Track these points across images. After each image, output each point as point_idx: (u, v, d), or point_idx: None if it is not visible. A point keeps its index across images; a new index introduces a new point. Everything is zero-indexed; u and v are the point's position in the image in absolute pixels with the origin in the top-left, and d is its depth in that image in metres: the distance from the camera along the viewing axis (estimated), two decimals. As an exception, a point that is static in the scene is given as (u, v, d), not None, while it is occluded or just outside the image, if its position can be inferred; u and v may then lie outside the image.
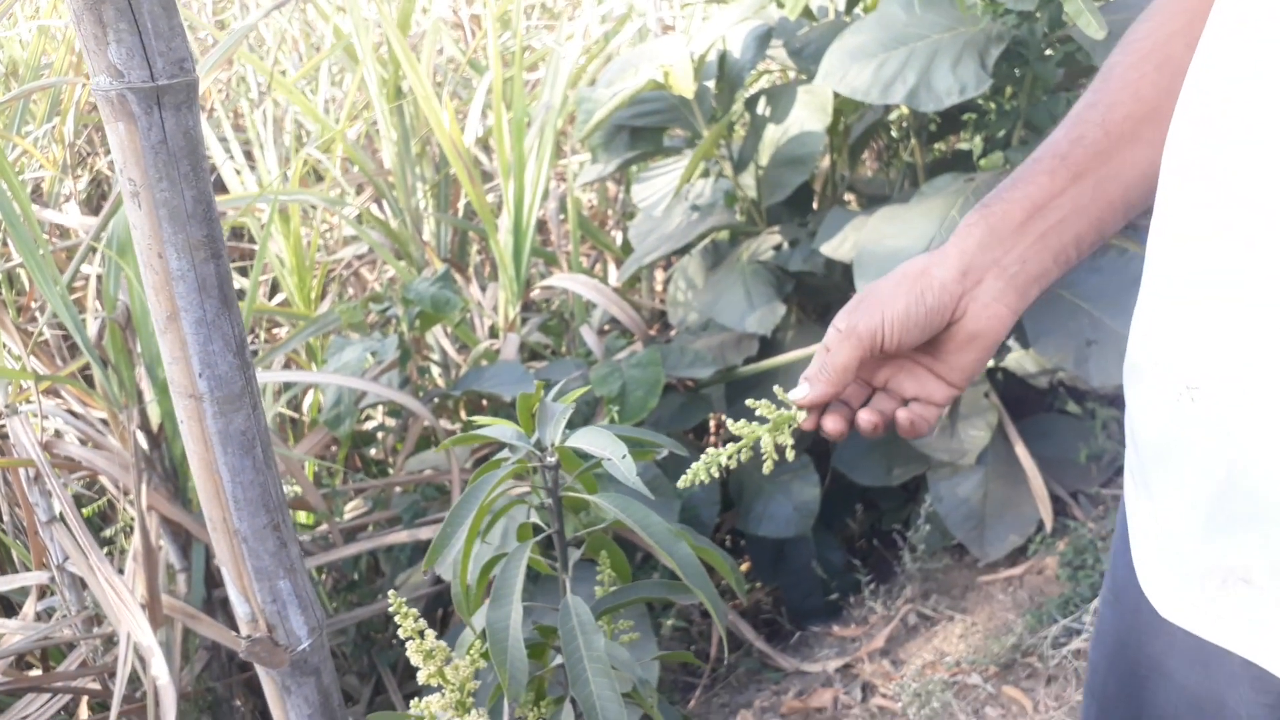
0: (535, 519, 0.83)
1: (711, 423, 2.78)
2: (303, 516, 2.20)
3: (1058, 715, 1.67)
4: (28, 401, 1.66)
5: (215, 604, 1.87)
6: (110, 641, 1.84)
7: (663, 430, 2.21)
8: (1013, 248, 0.72)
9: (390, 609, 0.70)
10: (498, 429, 0.75)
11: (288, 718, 0.57)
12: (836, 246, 2.00)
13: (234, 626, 1.84)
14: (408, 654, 0.70)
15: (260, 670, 0.56)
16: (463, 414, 2.33)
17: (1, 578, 1.86)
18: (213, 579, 1.89)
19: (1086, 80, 2.15)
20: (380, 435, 2.43)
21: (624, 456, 0.67)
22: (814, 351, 2.13)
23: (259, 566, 0.52)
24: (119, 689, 1.59)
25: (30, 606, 1.98)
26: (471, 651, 0.74)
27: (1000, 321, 0.72)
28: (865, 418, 0.75)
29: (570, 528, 0.80)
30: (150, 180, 0.45)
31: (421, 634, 0.71)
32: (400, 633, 0.70)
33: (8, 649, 1.72)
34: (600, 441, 0.69)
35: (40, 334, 1.78)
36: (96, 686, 1.85)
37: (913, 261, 0.75)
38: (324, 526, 2.08)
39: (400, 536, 1.88)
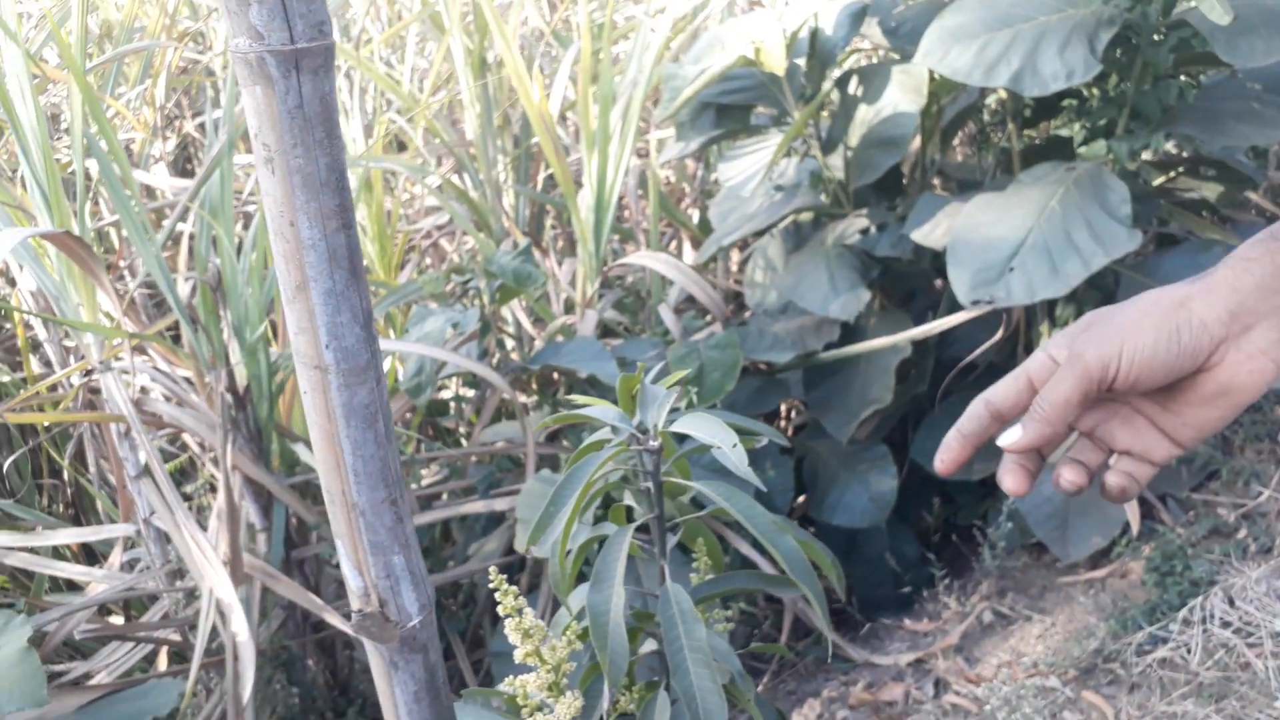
0: (630, 502, 0.82)
1: (783, 407, 2.75)
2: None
3: (1140, 725, 1.62)
4: (118, 359, 1.70)
5: (293, 564, 1.91)
6: (192, 595, 1.88)
7: (737, 414, 2.18)
8: None
9: (491, 585, 0.69)
10: (600, 410, 0.74)
11: (394, 694, 0.57)
12: (928, 233, 1.94)
13: (311, 587, 1.87)
14: (506, 631, 0.70)
15: (368, 646, 0.55)
16: (535, 388, 2.33)
17: (90, 528, 1.92)
18: (291, 540, 1.92)
19: (1198, 68, 2.06)
20: (455, 406, 2.44)
21: (734, 445, 0.65)
22: (897, 341, 2.08)
23: (375, 541, 0.52)
24: (200, 643, 1.63)
25: (116, 557, 2.03)
26: (568, 632, 0.73)
27: (1262, 377, 0.62)
28: (1068, 477, 0.66)
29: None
30: (285, 146, 0.44)
31: (520, 611, 0.70)
32: (500, 609, 0.69)
33: (94, 597, 1.77)
34: (709, 428, 0.67)
35: (129, 294, 1.82)
36: (177, 638, 1.90)
37: (1169, 290, 0.64)
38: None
39: (476, 506, 1.89)
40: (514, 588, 0.70)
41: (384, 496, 0.51)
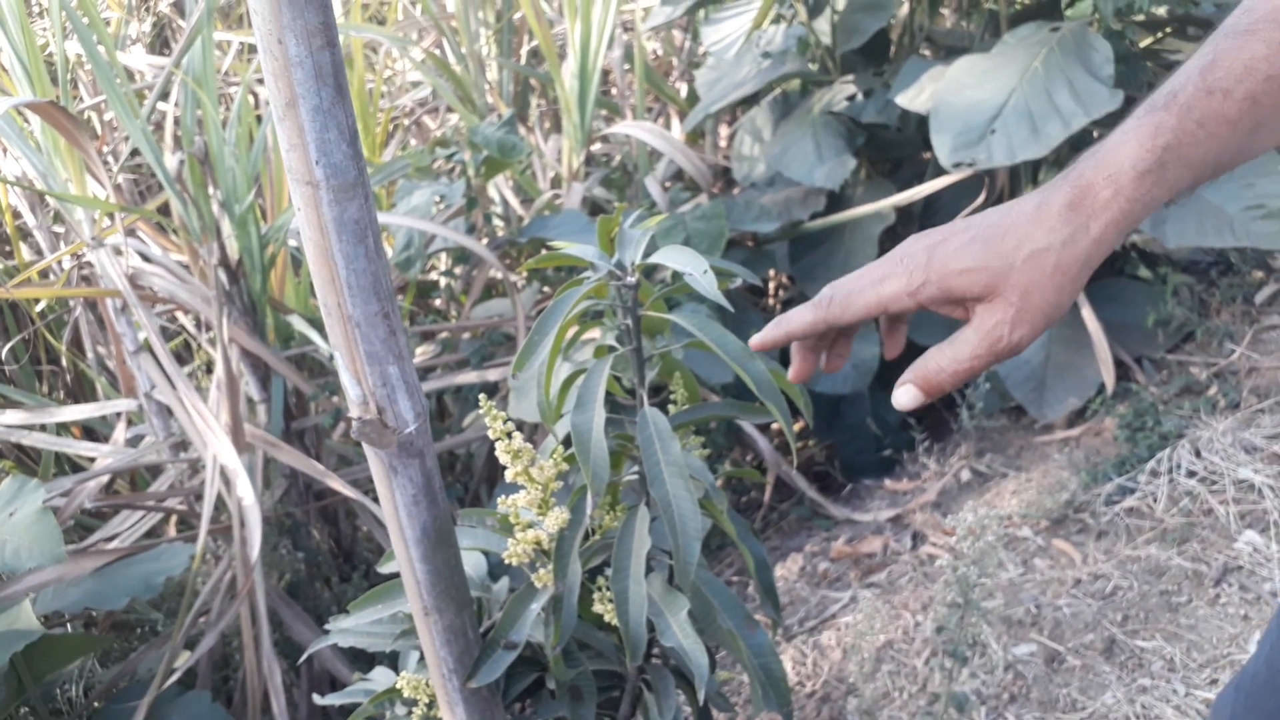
0: (610, 342, 0.86)
1: (770, 284, 2.78)
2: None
3: (1106, 568, 1.71)
4: (109, 236, 1.72)
5: (293, 435, 1.96)
6: (195, 467, 1.94)
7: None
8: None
9: (480, 412, 0.74)
10: (580, 249, 0.77)
11: (394, 497, 0.61)
12: (913, 97, 1.94)
13: (312, 456, 1.93)
14: (496, 453, 0.74)
15: (369, 452, 0.60)
16: (523, 266, 2.36)
17: (93, 404, 1.96)
18: (290, 411, 1.97)
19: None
20: (444, 283, 2.47)
21: (705, 271, 0.69)
22: (882, 208, 2.09)
23: (370, 351, 0.55)
24: (207, 508, 1.70)
25: (120, 433, 2.09)
26: (555, 455, 0.78)
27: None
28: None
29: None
30: (267, -35, 0.46)
31: (510, 434, 0.75)
32: (490, 434, 0.73)
33: (103, 468, 1.83)
34: (682, 258, 0.70)
35: (116, 176, 1.82)
36: (183, 507, 1.97)
37: (1040, 217, 0.60)
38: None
39: (469, 377, 1.93)
40: (503, 413, 0.75)
41: (377, 309, 0.55)
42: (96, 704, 1.75)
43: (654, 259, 0.72)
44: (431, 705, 0.81)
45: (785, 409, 0.74)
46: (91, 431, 2.45)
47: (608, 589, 0.79)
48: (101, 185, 1.66)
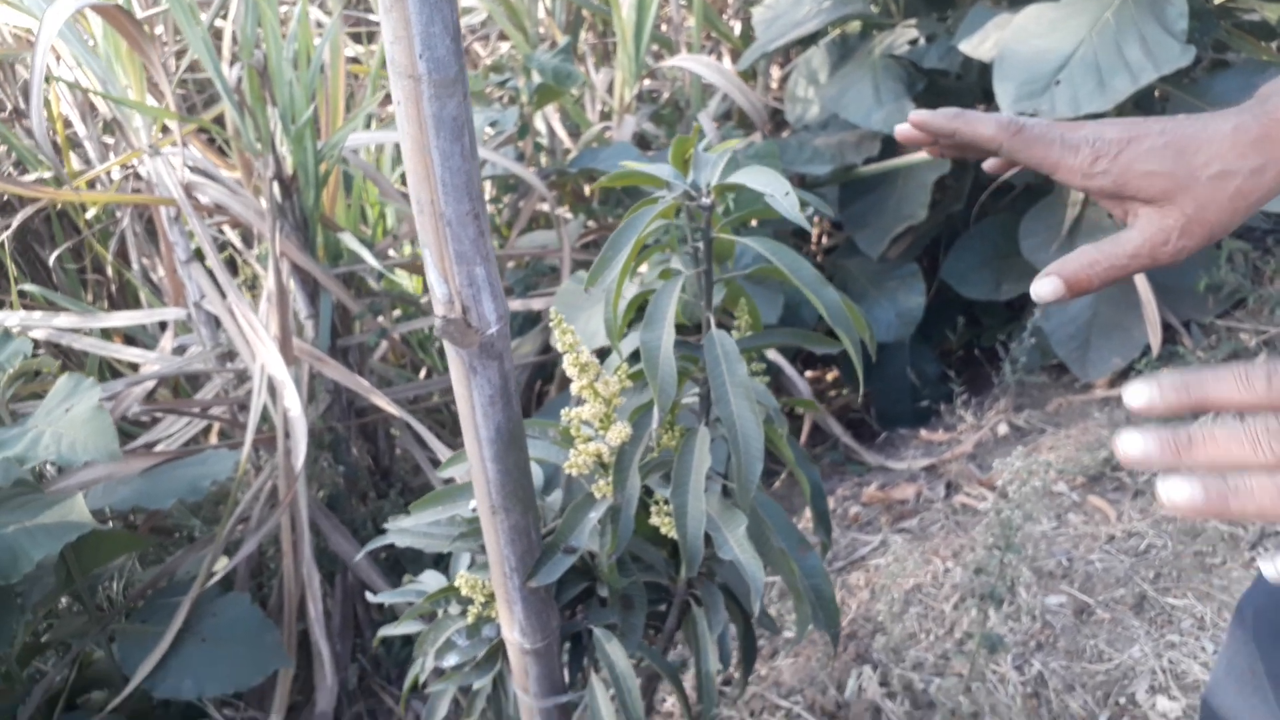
0: (675, 266, 0.86)
1: (814, 232, 2.76)
2: (419, 284, 2.28)
3: (1141, 526, 1.71)
4: (170, 145, 1.73)
5: (338, 351, 1.99)
6: (241, 378, 1.98)
7: (771, 228, 2.21)
8: None
9: (550, 324, 0.74)
10: (655, 167, 0.77)
11: (472, 397, 0.63)
12: (977, 45, 1.91)
13: (356, 373, 1.95)
14: (564, 366, 0.76)
15: (450, 351, 0.61)
16: (569, 198, 2.35)
17: (142, 311, 1.99)
18: (335, 329, 1.99)
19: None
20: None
21: (787, 193, 0.69)
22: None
23: (459, 251, 0.56)
24: (253, 417, 1.73)
25: (167, 341, 2.12)
26: (619, 372, 0.79)
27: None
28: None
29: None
30: None
31: (575, 348, 0.76)
32: (559, 346, 0.75)
33: (152, 373, 1.87)
34: (764, 179, 0.70)
35: (174, 87, 1.83)
36: (226, 417, 2.01)
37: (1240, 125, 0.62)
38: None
39: (513, 305, 1.94)
40: (571, 327, 0.76)
41: (468, 209, 0.55)
42: (138, 603, 1.80)
43: (734, 179, 0.72)
44: (487, 605, 0.83)
45: (856, 337, 0.74)
46: (132, 340, 2.49)
47: (665, 503, 0.80)
48: (162, 94, 1.67)
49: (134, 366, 2.34)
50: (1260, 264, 2.24)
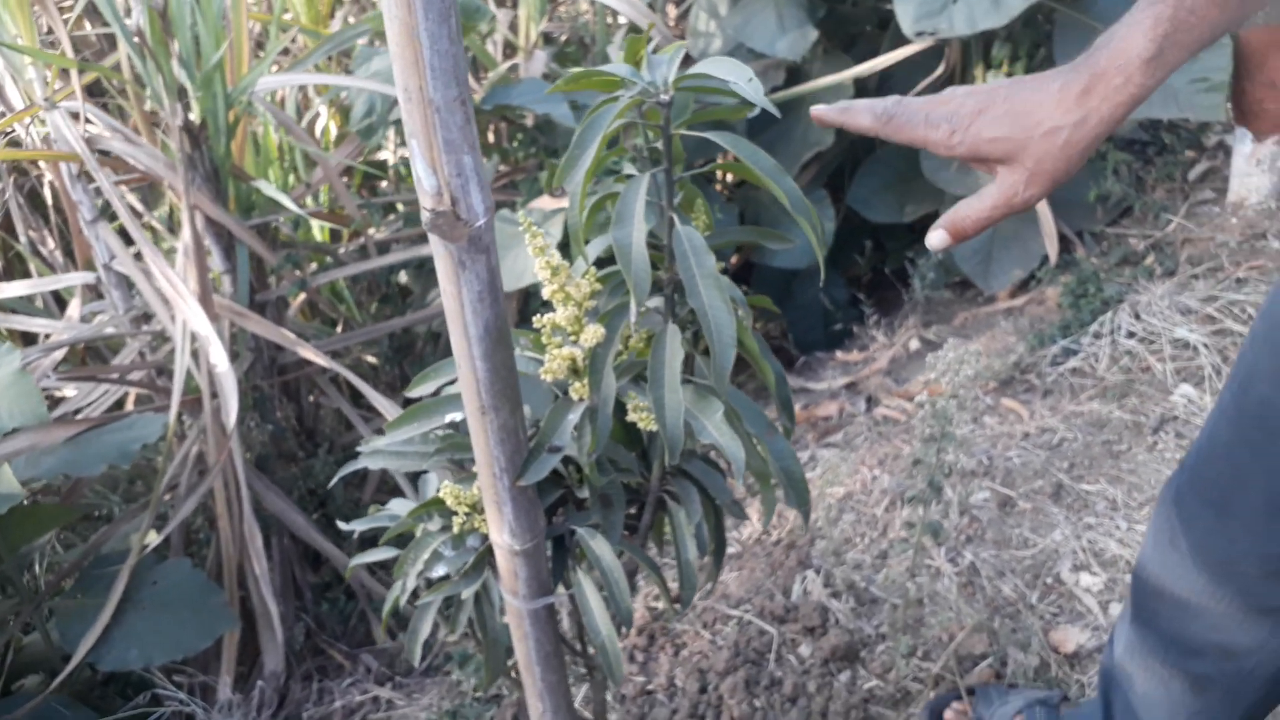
0: (630, 170, 0.88)
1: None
2: (327, 234, 2.24)
3: (1052, 422, 1.81)
4: (68, 97, 1.66)
5: (257, 306, 1.94)
6: (160, 339, 1.92)
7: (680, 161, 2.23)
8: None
9: (520, 229, 0.76)
10: (616, 66, 0.78)
11: (460, 293, 0.64)
12: (874, -33, 1.95)
13: (278, 323, 1.91)
14: (535, 271, 0.77)
15: (437, 246, 0.62)
16: (490, 137, 2.33)
17: (48, 278, 1.91)
18: (252, 286, 1.95)
19: None
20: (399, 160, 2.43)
21: (750, 80, 0.71)
22: (841, 80, 2.11)
23: (448, 139, 0.57)
24: (178, 376, 1.68)
25: (75, 309, 2.04)
26: (588, 275, 0.81)
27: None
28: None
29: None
30: None
31: (545, 250, 0.77)
32: (530, 251, 0.76)
33: (66, 339, 1.80)
34: (725, 68, 0.73)
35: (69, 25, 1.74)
36: (147, 381, 1.94)
37: (1067, 83, 0.71)
38: (359, 239, 2.12)
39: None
40: (541, 230, 0.77)
41: (456, 94, 0.56)
42: (65, 582, 1.75)
43: (697, 69, 0.74)
44: (470, 514, 0.85)
45: (816, 224, 0.77)
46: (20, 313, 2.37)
47: (641, 399, 0.83)
48: (57, 40, 1.59)
49: (30, 340, 2.24)
50: (1143, 174, 2.37)
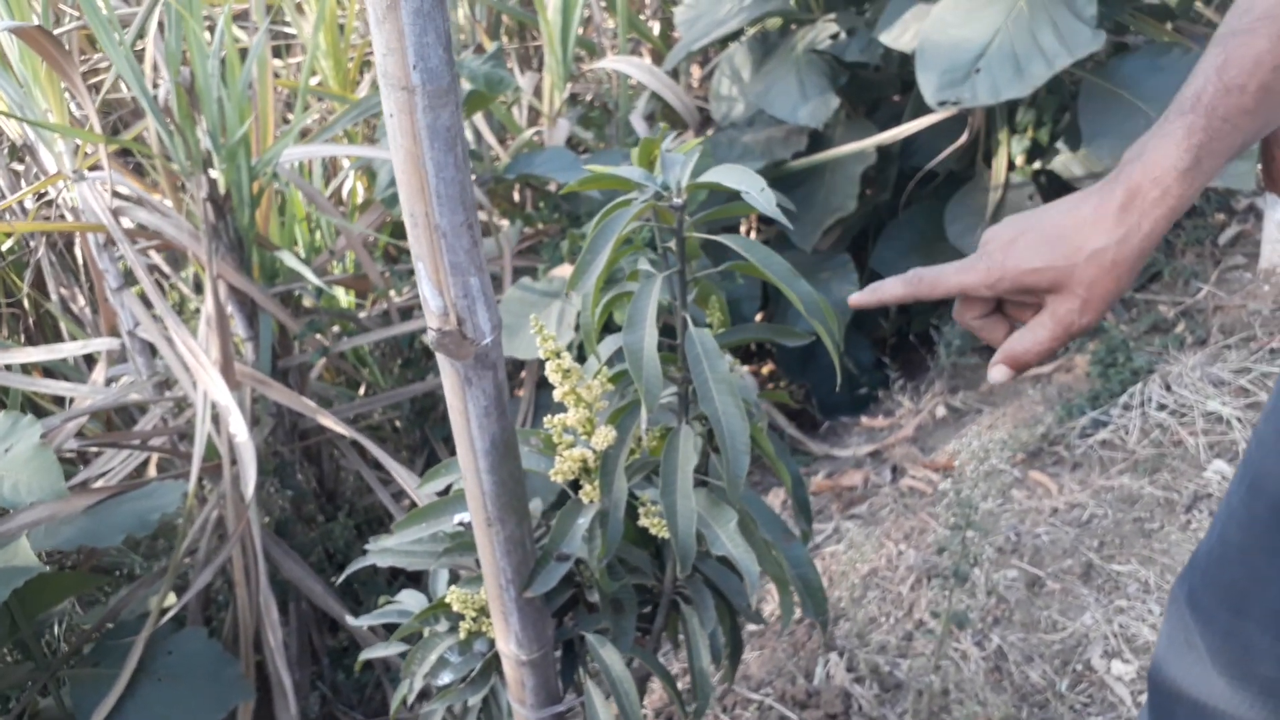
0: (646, 268, 0.87)
1: (743, 227, 2.79)
2: (353, 300, 2.25)
3: (1081, 497, 1.77)
4: (94, 169, 1.68)
5: (279, 373, 1.95)
6: (182, 405, 1.93)
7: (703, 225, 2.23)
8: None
9: (532, 331, 0.74)
10: (627, 170, 0.78)
11: (466, 409, 0.62)
12: (897, 36, 1.96)
13: (299, 391, 1.92)
14: (546, 373, 0.76)
15: (444, 363, 0.61)
16: (503, 205, 2.34)
17: (74, 343, 1.93)
18: (275, 351, 1.95)
19: None
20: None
21: (762, 189, 0.70)
22: (864, 147, 2.11)
23: (454, 262, 0.56)
24: (199, 445, 1.69)
25: (99, 373, 2.05)
26: (599, 376, 0.80)
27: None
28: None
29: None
30: None
31: (558, 354, 0.76)
32: (540, 353, 0.75)
33: (89, 406, 1.81)
34: (736, 177, 0.72)
35: (96, 108, 1.77)
36: (167, 448, 1.95)
37: (1100, 204, 0.69)
38: (382, 304, 2.13)
39: (456, 315, 1.93)
40: (553, 334, 0.76)
41: (463, 220, 0.55)
42: (84, 648, 1.74)
43: (706, 178, 0.73)
44: (477, 619, 0.83)
45: (831, 327, 0.76)
46: (49, 372, 2.40)
47: (653, 504, 0.81)
48: (85, 117, 1.61)
49: (59, 401, 2.26)
50: (1171, 238, 2.34)
